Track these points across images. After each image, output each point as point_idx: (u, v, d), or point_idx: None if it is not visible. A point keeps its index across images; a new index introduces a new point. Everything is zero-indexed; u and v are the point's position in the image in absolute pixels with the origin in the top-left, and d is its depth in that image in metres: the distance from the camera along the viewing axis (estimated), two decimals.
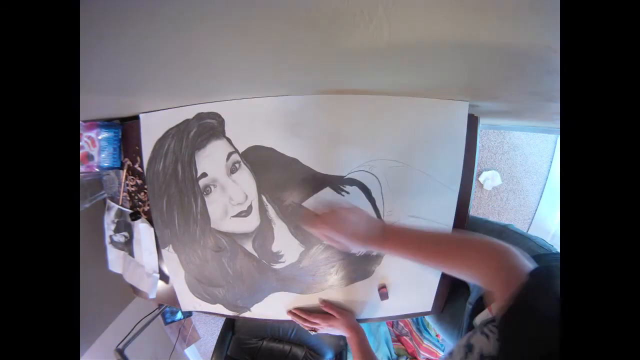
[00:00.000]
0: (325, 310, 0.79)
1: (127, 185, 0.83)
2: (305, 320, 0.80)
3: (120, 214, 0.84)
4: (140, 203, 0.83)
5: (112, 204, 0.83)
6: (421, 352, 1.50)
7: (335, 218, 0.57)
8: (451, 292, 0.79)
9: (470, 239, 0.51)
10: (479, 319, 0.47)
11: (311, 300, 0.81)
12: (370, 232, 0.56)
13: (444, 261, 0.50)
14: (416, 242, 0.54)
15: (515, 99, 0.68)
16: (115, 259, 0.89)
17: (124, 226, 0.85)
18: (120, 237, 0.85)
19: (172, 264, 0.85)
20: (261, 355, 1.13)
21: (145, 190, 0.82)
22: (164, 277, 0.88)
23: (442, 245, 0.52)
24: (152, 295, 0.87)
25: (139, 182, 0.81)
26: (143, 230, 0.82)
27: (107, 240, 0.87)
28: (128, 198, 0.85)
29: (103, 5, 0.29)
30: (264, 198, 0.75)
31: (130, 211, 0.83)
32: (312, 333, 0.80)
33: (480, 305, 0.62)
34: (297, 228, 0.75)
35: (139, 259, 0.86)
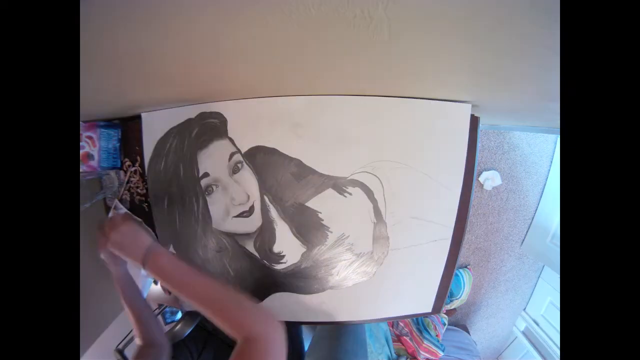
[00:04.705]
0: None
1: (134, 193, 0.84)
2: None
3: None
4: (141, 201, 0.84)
5: (121, 206, 0.84)
6: (421, 352, 1.50)
7: (109, 225, 0.58)
8: None
9: (250, 306, 0.54)
10: None
11: (312, 300, 0.81)
12: (133, 245, 0.56)
13: (214, 312, 0.51)
14: (178, 277, 0.54)
15: (515, 99, 0.68)
16: None
17: None
18: None
19: None
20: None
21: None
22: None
23: (218, 294, 0.53)
24: (143, 296, 0.88)
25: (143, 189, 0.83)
26: None
27: None
28: (128, 199, 0.85)
29: (103, 4, 0.29)
30: (266, 198, 0.75)
31: (139, 220, 0.84)
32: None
33: None
34: (299, 229, 0.75)
35: None
